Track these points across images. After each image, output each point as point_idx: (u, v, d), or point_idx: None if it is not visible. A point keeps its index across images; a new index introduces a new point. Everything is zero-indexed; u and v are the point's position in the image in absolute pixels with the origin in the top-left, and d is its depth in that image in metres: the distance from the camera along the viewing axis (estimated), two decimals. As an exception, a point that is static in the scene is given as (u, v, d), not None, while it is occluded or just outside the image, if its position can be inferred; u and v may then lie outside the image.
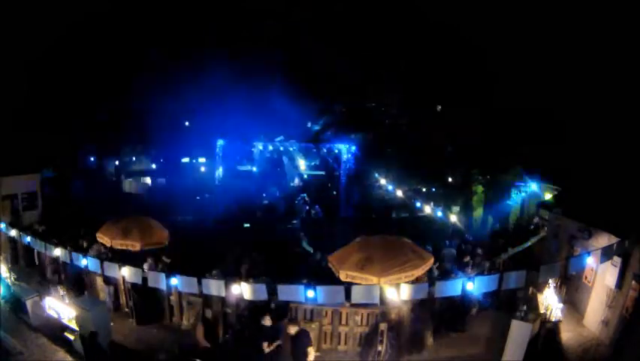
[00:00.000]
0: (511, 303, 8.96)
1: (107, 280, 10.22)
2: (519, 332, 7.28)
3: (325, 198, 22.45)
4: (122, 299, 10.48)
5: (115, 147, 27.10)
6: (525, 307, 8.07)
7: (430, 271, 9.43)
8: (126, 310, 10.35)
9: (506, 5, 15.32)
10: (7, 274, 10.86)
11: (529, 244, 12.76)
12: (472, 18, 15.93)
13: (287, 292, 7.79)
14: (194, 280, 8.18)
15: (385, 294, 7.63)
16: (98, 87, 21.60)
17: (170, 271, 8.77)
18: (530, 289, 9.09)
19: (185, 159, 30.18)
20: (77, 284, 10.62)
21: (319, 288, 7.57)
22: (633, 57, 11.76)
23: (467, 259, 10.82)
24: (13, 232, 11.80)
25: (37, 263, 12.65)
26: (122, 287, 10.33)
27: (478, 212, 19.54)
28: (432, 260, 9.02)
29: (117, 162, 28.44)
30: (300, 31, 21.56)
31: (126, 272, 8.84)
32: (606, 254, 7.93)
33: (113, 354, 8.22)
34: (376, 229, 10.75)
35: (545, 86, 14.49)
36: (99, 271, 9.36)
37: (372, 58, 20.46)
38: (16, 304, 9.82)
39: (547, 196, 16.28)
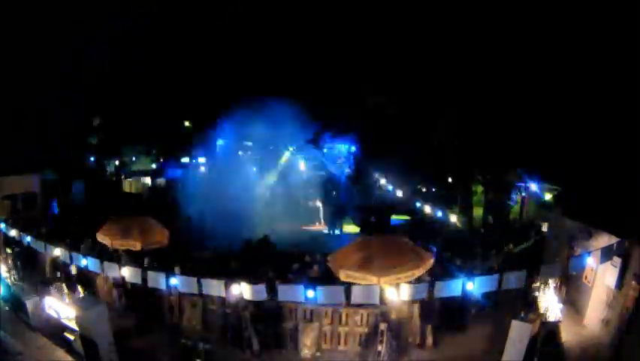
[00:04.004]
0: (511, 303, 8.96)
1: (115, 283, 10.24)
2: (519, 332, 7.28)
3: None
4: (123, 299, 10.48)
5: (115, 147, 27.14)
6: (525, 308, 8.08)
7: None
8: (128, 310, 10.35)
9: (508, 4, 15.32)
10: (7, 274, 10.87)
11: (527, 245, 12.76)
12: (472, 16, 15.92)
13: (287, 292, 7.80)
14: (194, 280, 8.19)
15: (385, 294, 7.64)
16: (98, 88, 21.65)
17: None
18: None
19: (185, 159, 30.19)
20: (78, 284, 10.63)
21: (319, 288, 7.58)
22: (633, 59, 11.75)
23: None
24: (13, 232, 11.81)
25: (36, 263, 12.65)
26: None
27: (478, 212, 19.55)
28: (432, 260, 9.02)
29: (117, 162, 28.47)
30: (298, 32, 21.58)
31: (126, 272, 8.86)
32: (606, 254, 7.93)
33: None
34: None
35: (545, 85, 14.50)
36: (99, 271, 9.38)
37: (371, 57, 20.47)
38: (16, 304, 9.82)
39: (547, 196, 16.29)
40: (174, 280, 8.37)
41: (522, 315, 7.77)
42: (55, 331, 9.06)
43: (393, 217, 19.13)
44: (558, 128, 14.26)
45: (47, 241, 10.95)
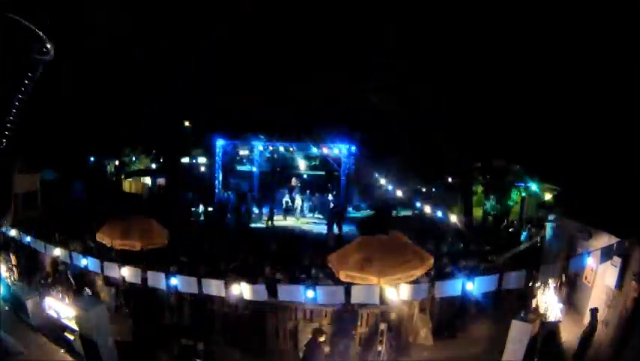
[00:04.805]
0: (511, 303, 8.96)
1: (108, 282, 10.24)
2: (519, 332, 7.27)
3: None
4: (122, 299, 10.48)
5: (115, 147, 27.15)
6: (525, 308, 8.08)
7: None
8: (126, 310, 10.36)
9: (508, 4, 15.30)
10: (7, 274, 10.87)
11: (525, 246, 12.75)
12: (473, 12, 15.89)
13: (287, 292, 7.79)
14: (194, 280, 8.18)
15: (385, 294, 7.63)
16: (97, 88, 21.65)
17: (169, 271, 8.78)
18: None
19: (185, 159, 30.22)
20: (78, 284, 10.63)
21: (319, 288, 7.57)
22: (633, 58, 11.74)
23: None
24: (13, 232, 11.81)
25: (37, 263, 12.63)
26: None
27: (478, 212, 19.55)
28: (432, 260, 9.01)
29: (117, 162, 28.50)
30: (296, 30, 21.55)
31: (126, 272, 8.85)
32: (606, 254, 7.92)
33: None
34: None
35: (546, 85, 14.49)
36: (99, 271, 9.37)
37: (369, 57, 20.44)
38: (16, 304, 9.81)
39: (547, 196, 16.29)
40: (174, 280, 8.36)
41: (522, 315, 7.78)
42: (55, 331, 9.05)
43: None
44: (558, 127, 14.25)
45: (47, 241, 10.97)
